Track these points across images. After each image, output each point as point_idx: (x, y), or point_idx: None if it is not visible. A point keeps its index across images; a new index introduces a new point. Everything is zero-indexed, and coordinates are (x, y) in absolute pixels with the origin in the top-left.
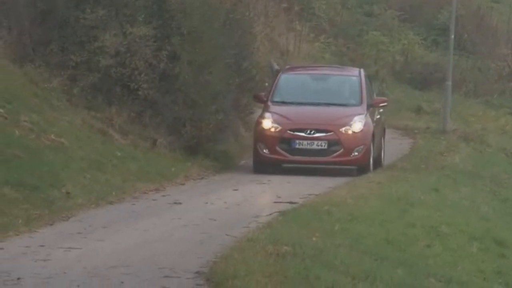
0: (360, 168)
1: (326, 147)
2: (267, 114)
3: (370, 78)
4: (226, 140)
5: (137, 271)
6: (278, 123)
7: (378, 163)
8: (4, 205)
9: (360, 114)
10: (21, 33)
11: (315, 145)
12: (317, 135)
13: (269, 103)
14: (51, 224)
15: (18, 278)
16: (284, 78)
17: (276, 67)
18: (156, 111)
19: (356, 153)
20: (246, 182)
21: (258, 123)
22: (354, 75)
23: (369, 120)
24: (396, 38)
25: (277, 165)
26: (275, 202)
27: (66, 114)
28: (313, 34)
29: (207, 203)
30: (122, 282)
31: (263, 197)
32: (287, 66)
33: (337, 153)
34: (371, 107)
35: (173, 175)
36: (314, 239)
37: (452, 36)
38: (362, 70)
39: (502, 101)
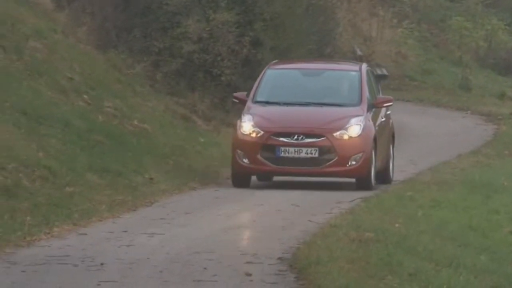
0: (359, 182)
1: (317, 155)
2: (247, 117)
3: (375, 74)
4: None
5: (219, 257)
6: (260, 127)
7: (385, 176)
8: (88, 191)
9: (358, 115)
10: (104, 19)
11: (303, 153)
12: (306, 141)
13: (251, 104)
14: (134, 210)
15: (102, 264)
16: (270, 74)
17: (359, 52)
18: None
19: (353, 163)
20: None
21: (237, 127)
22: (354, 70)
23: (370, 123)
24: (479, 24)
25: (261, 177)
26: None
27: (149, 100)
28: (396, 20)
29: (289, 188)
30: (205, 268)
31: (345, 183)
32: (274, 60)
33: (331, 162)
34: (374, 107)
35: None
36: (397, 225)
37: None
38: (364, 65)
39: None
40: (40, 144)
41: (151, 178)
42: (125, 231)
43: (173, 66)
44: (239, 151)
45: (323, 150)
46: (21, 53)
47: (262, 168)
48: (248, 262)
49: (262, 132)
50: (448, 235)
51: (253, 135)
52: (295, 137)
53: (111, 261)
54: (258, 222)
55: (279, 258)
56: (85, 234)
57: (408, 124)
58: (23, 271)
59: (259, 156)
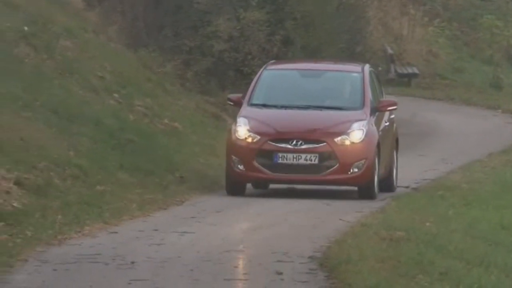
0: (361, 190)
1: (317, 162)
2: (243, 120)
3: (378, 75)
4: None
5: (250, 255)
6: (256, 132)
7: (388, 184)
8: (119, 189)
9: (361, 120)
10: (135, 18)
11: (303, 160)
12: (305, 146)
13: (246, 106)
14: (165, 209)
15: (132, 262)
16: (268, 75)
17: (390, 51)
18: None
19: (355, 170)
20: None
21: (231, 131)
22: (356, 71)
23: (373, 127)
24: (510, 22)
25: (257, 185)
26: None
27: (179, 99)
28: (427, 18)
29: (320, 187)
30: (235, 267)
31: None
32: (271, 62)
33: (331, 169)
34: (377, 111)
35: None
36: (427, 224)
37: None
38: (366, 66)
39: None
40: (71, 143)
41: (182, 177)
42: (156, 230)
43: (203, 64)
44: (234, 157)
45: (323, 157)
46: (52, 52)
47: (258, 175)
48: (278, 261)
49: (258, 137)
50: (479, 234)
51: (249, 140)
52: (294, 142)
53: (142, 259)
54: (289, 220)
55: (310, 257)
56: (116, 232)
57: (439, 123)
58: (54, 270)
59: (255, 163)
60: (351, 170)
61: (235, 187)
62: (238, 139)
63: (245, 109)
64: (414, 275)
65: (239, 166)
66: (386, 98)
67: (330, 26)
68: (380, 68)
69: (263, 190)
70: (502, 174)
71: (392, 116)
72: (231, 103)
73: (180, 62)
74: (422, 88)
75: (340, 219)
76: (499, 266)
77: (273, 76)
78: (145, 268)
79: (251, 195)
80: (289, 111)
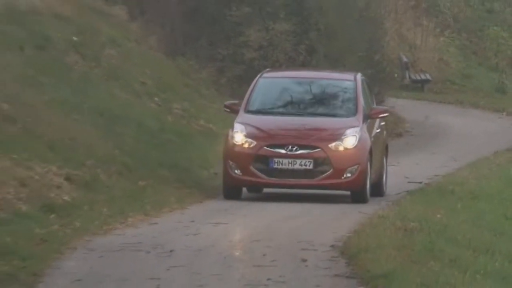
0: (354, 195)
1: (311, 167)
2: (239, 127)
3: (369, 84)
4: None
5: (278, 244)
6: (252, 138)
7: (378, 189)
8: (159, 184)
9: (354, 126)
10: (173, 29)
11: (298, 165)
12: (300, 152)
13: (243, 113)
14: (200, 202)
15: (171, 250)
16: (263, 83)
17: (405, 59)
18: None
19: (349, 175)
20: None
21: (229, 137)
22: (349, 80)
23: (366, 134)
24: None
25: (251, 189)
26: (408, 182)
27: (214, 102)
28: (438, 29)
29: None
30: (264, 255)
31: (393, 176)
32: (266, 70)
33: (325, 174)
34: (369, 118)
35: None
36: (438, 216)
37: None
38: (359, 75)
39: None
40: (116, 142)
41: (216, 173)
42: (192, 221)
43: (235, 71)
44: (230, 162)
45: (317, 162)
46: (99, 60)
47: (254, 180)
48: (303, 249)
49: (254, 143)
50: (485, 225)
51: (245, 145)
52: (289, 148)
53: (180, 248)
54: (313, 212)
55: (332, 246)
56: (156, 223)
57: (449, 124)
58: (100, 257)
59: (251, 168)
60: (345, 175)
61: (232, 191)
62: (235, 144)
63: (241, 115)
64: (426, 262)
65: (236, 170)
66: (388, 103)
67: (350, 36)
68: (396, 75)
69: (258, 194)
70: (506, 170)
71: (383, 123)
72: (227, 110)
73: (214, 69)
74: (434, 93)
75: (359, 212)
76: (503, 253)
77: (269, 84)
78: (183, 256)
79: (280, 189)
80: (284, 118)
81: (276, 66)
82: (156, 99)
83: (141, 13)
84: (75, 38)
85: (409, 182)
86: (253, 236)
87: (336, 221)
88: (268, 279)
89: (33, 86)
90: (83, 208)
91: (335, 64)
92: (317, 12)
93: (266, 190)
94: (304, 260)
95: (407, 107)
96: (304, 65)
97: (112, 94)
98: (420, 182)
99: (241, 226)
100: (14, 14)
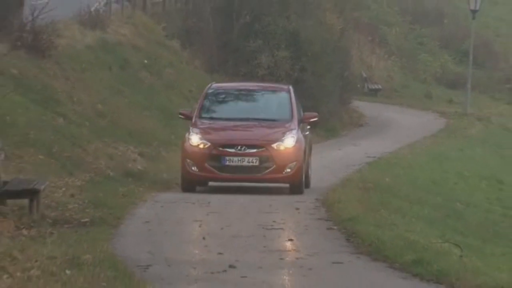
0: (293, 187)
1: (257, 163)
2: (195, 130)
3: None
4: (333, 119)
5: (279, 198)
6: (206, 140)
7: (306, 182)
8: None
9: (292, 129)
10: (211, 55)
11: (246, 162)
12: (248, 151)
13: (197, 119)
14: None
15: (209, 202)
16: (212, 94)
17: (364, 75)
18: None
19: (288, 170)
20: (346, 144)
21: (186, 139)
22: (284, 90)
23: (301, 135)
24: (437, 58)
25: (200, 183)
26: (367, 157)
27: None
28: (386, 55)
29: (322, 157)
30: (270, 205)
31: (356, 153)
32: (213, 83)
33: (269, 169)
34: (302, 122)
35: None
36: (387, 179)
37: (471, 57)
38: (291, 86)
39: (502, 96)
40: (172, 130)
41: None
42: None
43: None
44: (188, 161)
45: (262, 159)
46: (161, 75)
47: (209, 175)
48: (297, 201)
49: (209, 144)
50: (418, 186)
51: (201, 146)
52: (238, 148)
53: (215, 201)
54: None
55: (316, 199)
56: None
57: (394, 119)
58: (162, 206)
59: (206, 165)
60: (285, 171)
61: (189, 185)
62: (191, 145)
63: (196, 121)
64: (379, 210)
65: (193, 168)
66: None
67: (329, 60)
68: (358, 86)
69: (205, 187)
70: (432, 149)
71: (308, 127)
72: (182, 117)
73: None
74: (383, 98)
75: (335, 177)
76: (430, 204)
77: (217, 94)
78: (216, 206)
79: None
80: (233, 122)
81: (279, 80)
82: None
83: (190, 45)
84: (145, 61)
85: (367, 157)
86: (265, 194)
87: (319, 183)
88: (273, 221)
89: (117, 93)
90: (150, 174)
91: (319, 79)
92: (307, 44)
93: (210, 183)
94: (297, 209)
95: (366, 107)
96: (297, 80)
97: (170, 99)
98: (375, 157)
99: (258, 189)
100: (106, 45)
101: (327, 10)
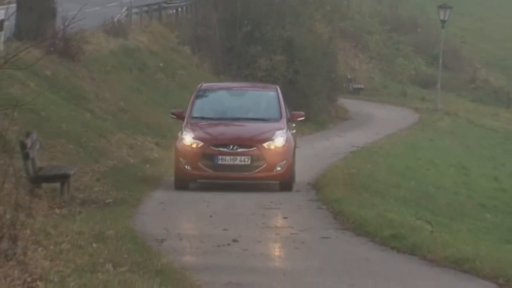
0: (283, 184)
1: (249, 162)
2: (188, 130)
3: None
4: (322, 114)
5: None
6: (199, 139)
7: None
8: None
9: (281, 128)
10: (217, 59)
11: (238, 161)
12: (240, 150)
13: (189, 119)
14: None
15: (214, 186)
16: (202, 94)
17: (349, 76)
18: (286, 101)
19: (279, 168)
20: (333, 136)
21: (179, 138)
22: (272, 90)
23: (290, 134)
24: (411, 61)
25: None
26: (351, 146)
27: None
28: (368, 59)
29: (312, 147)
30: (274, 189)
31: (342, 143)
32: (203, 83)
33: (260, 168)
34: (289, 121)
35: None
36: (368, 166)
37: (441, 61)
38: (278, 87)
39: (467, 94)
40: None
41: None
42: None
43: None
44: (181, 159)
45: (254, 158)
46: (174, 77)
47: (202, 173)
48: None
49: (201, 143)
50: (395, 171)
51: (194, 145)
52: (231, 147)
53: (221, 184)
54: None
55: (308, 183)
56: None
57: (374, 114)
58: (175, 189)
59: (199, 164)
60: (276, 169)
61: (182, 183)
62: (185, 145)
63: (188, 121)
64: (361, 193)
65: (186, 166)
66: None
67: (318, 63)
68: (344, 85)
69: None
70: (407, 140)
71: (294, 125)
72: (174, 117)
73: None
74: (365, 96)
75: (324, 163)
76: (405, 187)
77: (207, 95)
78: (221, 188)
79: None
80: (224, 122)
81: (276, 81)
82: None
83: (199, 50)
84: (161, 64)
85: (352, 146)
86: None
87: (311, 169)
88: (271, 201)
89: (137, 92)
90: (165, 161)
91: (310, 79)
92: (299, 49)
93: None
94: (291, 191)
95: (350, 104)
96: (292, 80)
97: (182, 97)
98: (358, 147)
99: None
100: (127, 50)
101: (317, 21)
